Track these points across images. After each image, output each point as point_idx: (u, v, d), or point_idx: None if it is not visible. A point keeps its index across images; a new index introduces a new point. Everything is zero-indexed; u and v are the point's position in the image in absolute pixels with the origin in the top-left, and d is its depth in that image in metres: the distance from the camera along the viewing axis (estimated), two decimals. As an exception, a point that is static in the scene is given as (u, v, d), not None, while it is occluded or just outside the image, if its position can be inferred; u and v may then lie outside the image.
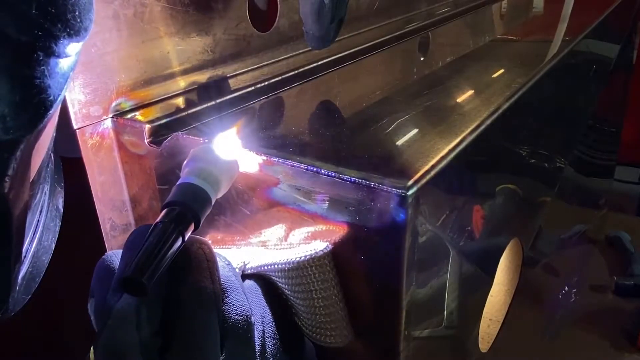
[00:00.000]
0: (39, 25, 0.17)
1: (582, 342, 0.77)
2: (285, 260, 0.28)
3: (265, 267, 0.29)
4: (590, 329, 0.78)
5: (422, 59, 0.53)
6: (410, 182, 0.24)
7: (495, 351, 0.46)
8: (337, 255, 0.27)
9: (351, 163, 0.26)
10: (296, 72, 0.43)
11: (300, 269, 0.27)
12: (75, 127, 0.31)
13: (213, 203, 0.26)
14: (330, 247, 0.27)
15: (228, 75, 0.40)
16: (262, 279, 0.29)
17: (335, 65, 0.46)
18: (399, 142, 0.29)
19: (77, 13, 0.18)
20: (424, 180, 0.25)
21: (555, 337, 0.75)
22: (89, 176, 0.33)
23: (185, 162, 0.27)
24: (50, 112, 0.20)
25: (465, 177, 0.32)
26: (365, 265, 0.26)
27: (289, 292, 0.28)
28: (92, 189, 0.33)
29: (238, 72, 0.41)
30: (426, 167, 0.26)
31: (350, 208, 0.25)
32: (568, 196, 0.72)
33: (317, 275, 0.27)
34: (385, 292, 0.26)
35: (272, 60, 0.43)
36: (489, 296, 0.44)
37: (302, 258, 0.27)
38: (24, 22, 0.17)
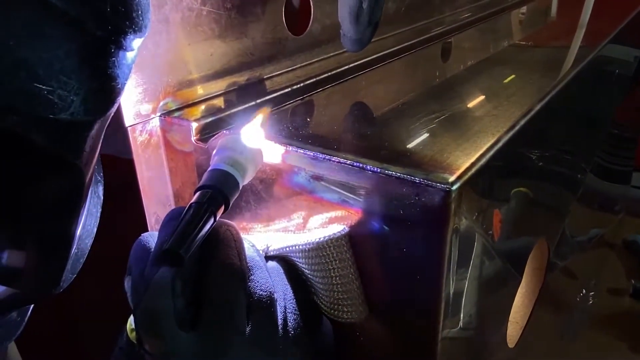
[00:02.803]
0: (111, 21, 0.20)
1: (599, 344, 0.77)
2: (306, 242, 0.29)
3: (287, 249, 0.31)
4: (608, 331, 0.78)
5: (446, 62, 0.54)
6: (453, 178, 0.25)
7: (513, 352, 0.47)
8: (373, 247, 0.28)
9: (394, 160, 0.27)
10: (328, 74, 0.45)
11: (319, 249, 0.29)
12: (126, 125, 0.32)
13: (240, 188, 0.27)
14: (347, 229, 0.29)
15: (265, 77, 0.41)
16: (283, 260, 0.31)
17: (365, 68, 0.47)
18: (437, 141, 0.31)
19: (140, 12, 0.21)
20: (466, 177, 0.26)
21: (573, 339, 0.76)
22: (137, 172, 0.34)
23: (215, 150, 0.29)
24: (119, 98, 0.22)
25: (498, 176, 0.33)
26: (406, 258, 0.28)
27: (309, 272, 0.30)
28: (139, 183, 0.34)
29: (274, 74, 0.42)
30: (467, 165, 0.27)
31: (394, 202, 0.27)
32: (585, 201, 0.73)
33: (335, 255, 0.29)
34: (426, 284, 0.27)
35: (305, 63, 0.45)
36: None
37: (322, 239, 0.29)
38: (100, 19, 0.19)
